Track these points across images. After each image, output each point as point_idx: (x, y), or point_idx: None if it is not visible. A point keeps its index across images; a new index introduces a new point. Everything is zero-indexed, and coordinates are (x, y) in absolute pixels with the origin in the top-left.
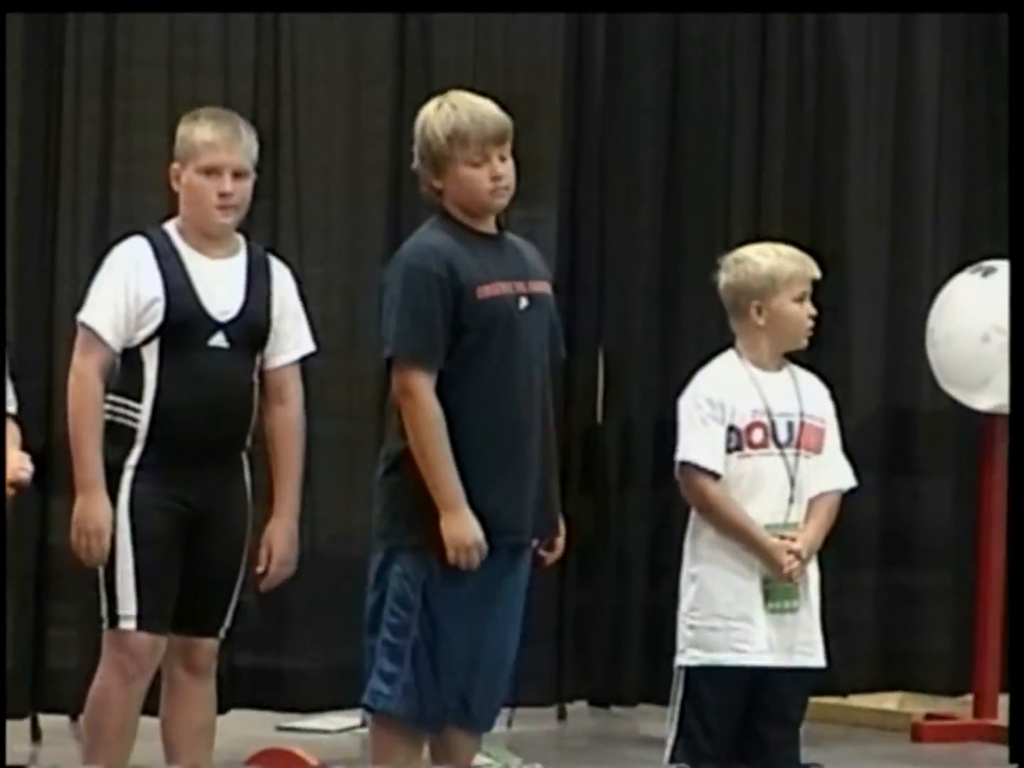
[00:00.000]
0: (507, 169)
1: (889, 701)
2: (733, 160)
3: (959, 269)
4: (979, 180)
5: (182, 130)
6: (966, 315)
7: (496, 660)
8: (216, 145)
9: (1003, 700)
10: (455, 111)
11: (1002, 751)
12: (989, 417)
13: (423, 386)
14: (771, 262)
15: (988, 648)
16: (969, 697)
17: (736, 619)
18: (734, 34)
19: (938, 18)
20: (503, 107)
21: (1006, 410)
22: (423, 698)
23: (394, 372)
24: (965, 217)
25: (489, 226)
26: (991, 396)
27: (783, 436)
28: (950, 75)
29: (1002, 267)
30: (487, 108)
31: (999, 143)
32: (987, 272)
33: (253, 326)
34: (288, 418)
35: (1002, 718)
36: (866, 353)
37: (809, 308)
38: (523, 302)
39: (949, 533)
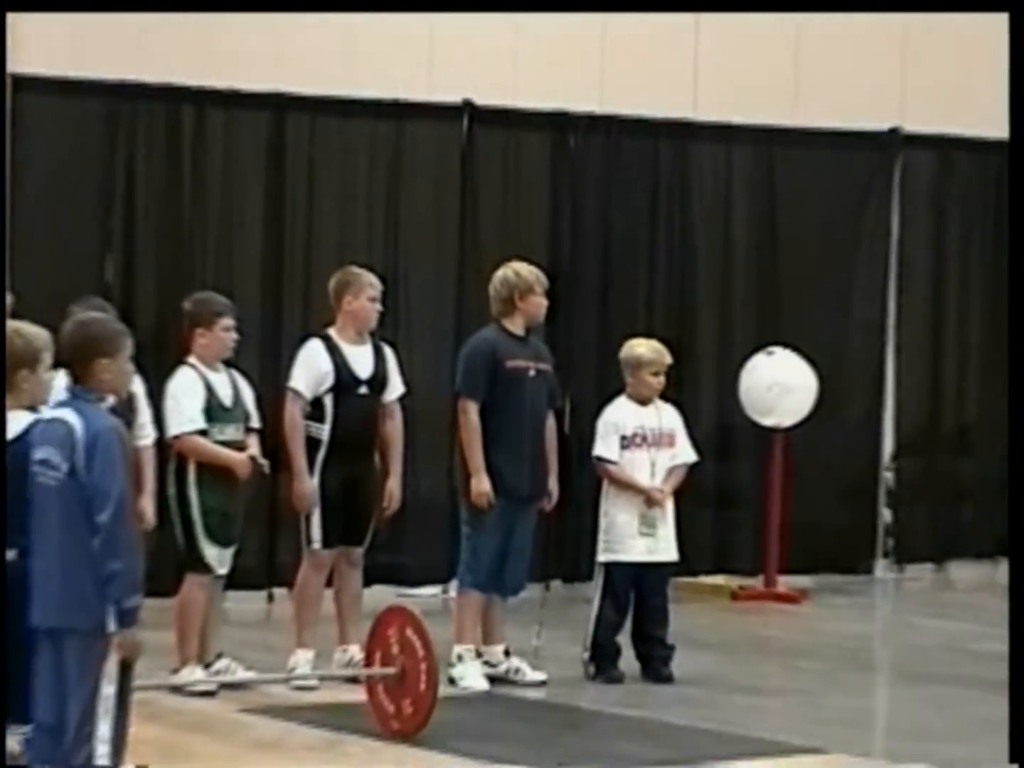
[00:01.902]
0: (543, 303)
1: (718, 579)
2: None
3: (755, 351)
4: (768, 299)
5: (352, 276)
6: (759, 376)
7: (517, 559)
8: (377, 286)
9: (783, 578)
10: (516, 274)
11: (772, 606)
12: (771, 430)
13: (470, 409)
14: (641, 349)
15: (770, 548)
16: (762, 577)
17: (627, 536)
18: (658, 168)
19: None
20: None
21: (781, 426)
22: (478, 577)
23: (459, 401)
24: (759, 322)
25: (520, 331)
26: (772, 419)
27: (649, 440)
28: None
29: (779, 351)
30: (530, 270)
31: (786, 269)
32: (770, 353)
33: (380, 381)
34: (394, 427)
35: (782, 587)
36: (710, 394)
37: (660, 379)
38: (532, 372)
39: (752, 488)
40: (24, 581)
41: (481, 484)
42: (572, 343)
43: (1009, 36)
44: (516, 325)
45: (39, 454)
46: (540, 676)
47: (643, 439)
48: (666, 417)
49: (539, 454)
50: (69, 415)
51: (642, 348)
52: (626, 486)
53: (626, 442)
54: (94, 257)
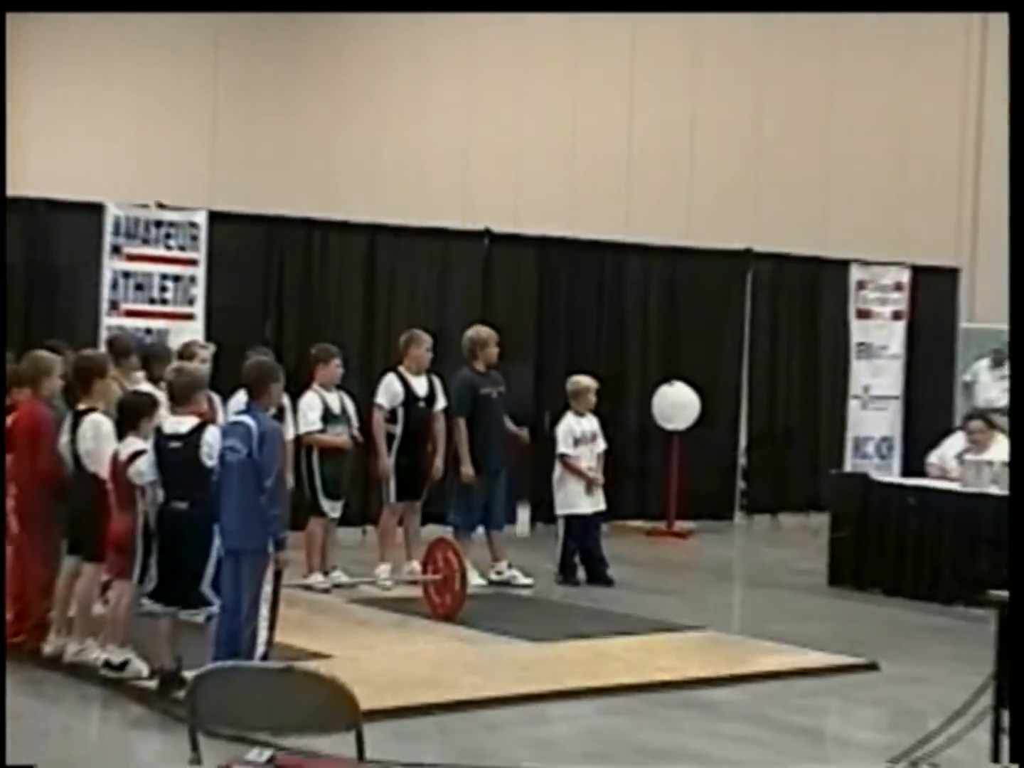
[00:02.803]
0: (495, 352)
1: (637, 523)
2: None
3: (661, 382)
4: (670, 353)
5: (415, 335)
6: (664, 397)
7: (497, 506)
8: (429, 342)
9: (678, 523)
10: (477, 333)
11: (670, 540)
12: (671, 432)
13: (461, 423)
14: (584, 381)
15: (670, 503)
16: (664, 521)
17: (578, 498)
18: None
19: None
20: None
21: (678, 429)
22: (468, 520)
23: (454, 418)
24: (665, 366)
25: (483, 368)
26: (672, 425)
27: (587, 439)
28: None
29: (677, 383)
30: (488, 331)
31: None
32: (671, 384)
33: (430, 399)
34: (439, 427)
35: (677, 528)
36: (635, 409)
37: (593, 400)
38: (494, 395)
39: (659, 466)
40: (195, 522)
41: (468, 469)
42: (550, 380)
43: (1009, 36)
44: (480, 365)
45: (227, 443)
46: (528, 581)
47: (583, 438)
48: (593, 423)
49: (504, 442)
50: (247, 419)
51: (584, 380)
52: (579, 473)
53: (576, 441)
54: (259, 322)
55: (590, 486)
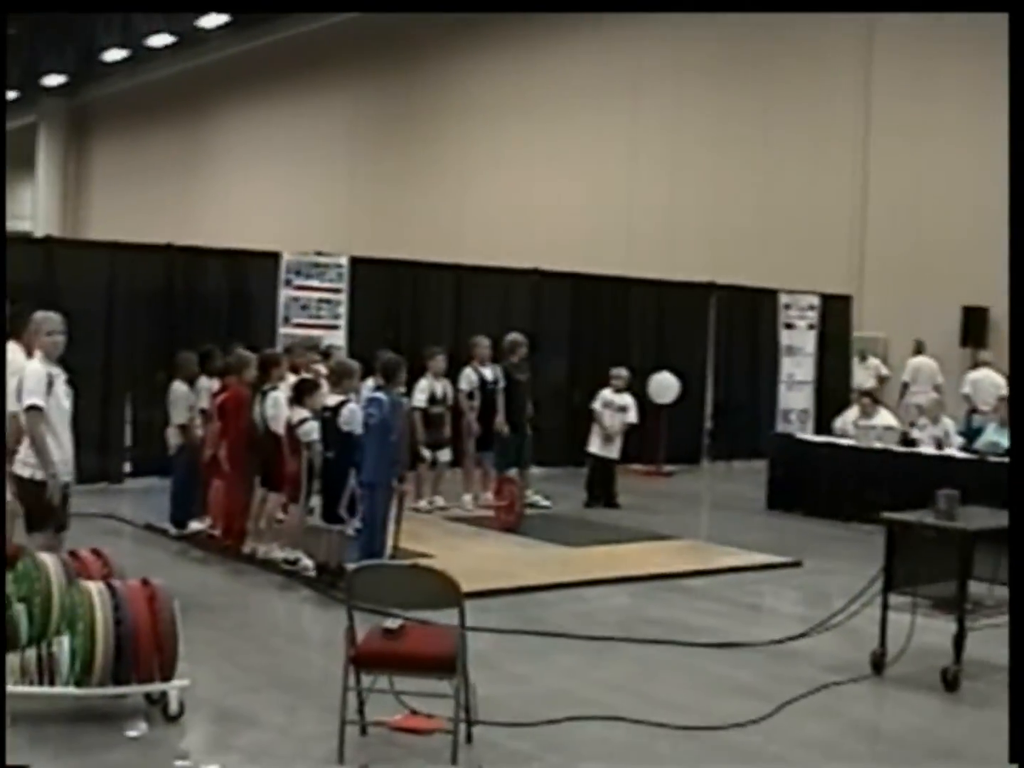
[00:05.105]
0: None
1: (636, 466)
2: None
3: (654, 370)
4: (658, 352)
5: (477, 340)
6: (657, 381)
7: (526, 450)
8: (487, 344)
9: (665, 466)
10: (514, 337)
11: (657, 479)
12: (660, 405)
13: (499, 398)
14: (615, 370)
15: (658, 452)
16: (653, 465)
17: (597, 443)
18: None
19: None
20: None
21: (665, 403)
22: (502, 465)
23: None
24: (655, 359)
25: (518, 360)
26: (662, 400)
27: (614, 407)
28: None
29: (664, 372)
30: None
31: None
32: (661, 371)
33: (495, 383)
34: (500, 401)
35: (664, 469)
36: (637, 388)
37: (622, 382)
38: (523, 379)
39: (652, 428)
40: (335, 465)
41: (503, 428)
42: (578, 370)
43: (1009, 36)
44: (515, 359)
45: (368, 410)
46: (548, 503)
47: (611, 405)
48: (626, 398)
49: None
50: (383, 395)
51: (618, 370)
52: (601, 426)
53: (605, 405)
54: (383, 331)
55: (608, 438)
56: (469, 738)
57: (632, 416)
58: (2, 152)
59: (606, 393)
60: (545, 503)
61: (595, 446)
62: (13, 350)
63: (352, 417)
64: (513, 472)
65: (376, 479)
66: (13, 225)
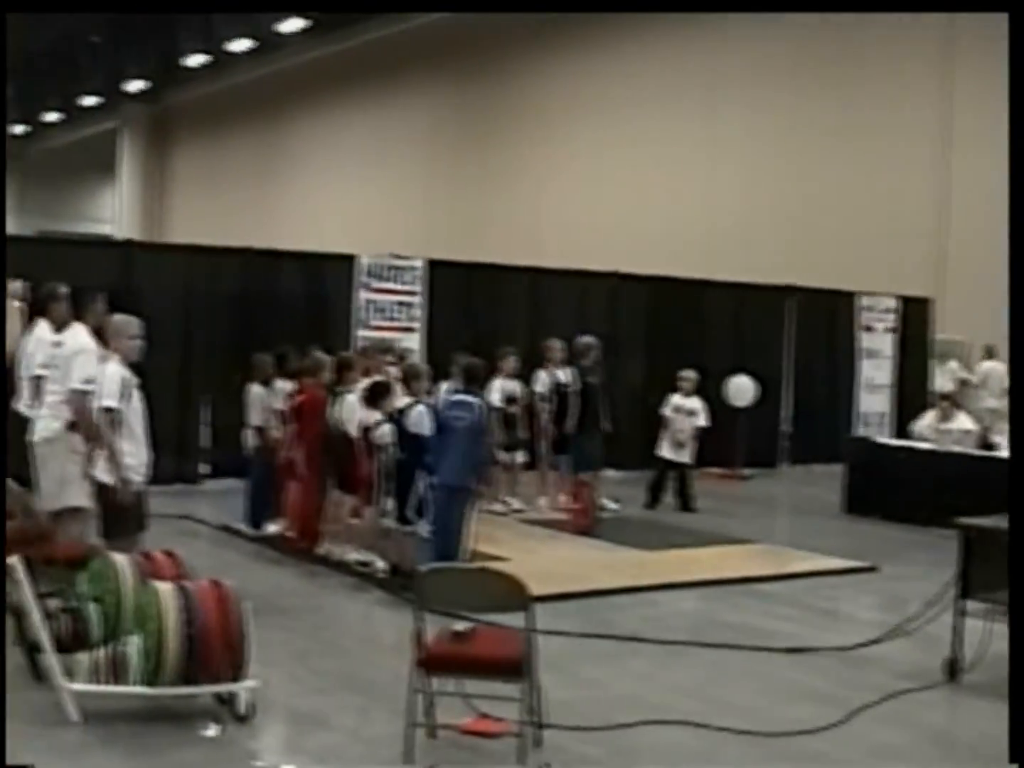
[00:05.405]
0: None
1: (714, 469)
2: None
3: (730, 373)
4: (735, 358)
5: (550, 342)
6: (732, 385)
7: (596, 452)
8: (559, 346)
9: (743, 470)
10: (586, 341)
11: (735, 482)
12: (738, 408)
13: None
14: (686, 372)
15: (737, 456)
16: (731, 468)
17: (670, 448)
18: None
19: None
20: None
21: (742, 406)
22: (580, 468)
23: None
24: (731, 364)
25: (591, 364)
26: (740, 403)
27: (683, 411)
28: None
29: (742, 375)
30: (593, 340)
31: None
32: (739, 374)
33: (568, 384)
34: (573, 403)
35: (742, 473)
36: (713, 392)
37: (691, 385)
38: (596, 382)
39: (730, 431)
40: (405, 466)
41: (571, 430)
42: (655, 372)
43: (1009, 36)
44: (587, 362)
45: (454, 412)
46: (616, 506)
47: (680, 409)
48: (695, 402)
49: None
50: (472, 398)
51: (687, 372)
52: (669, 431)
53: (675, 409)
54: (457, 332)
55: (679, 443)
56: (538, 742)
57: (702, 420)
58: (2, 152)
59: (676, 398)
60: (614, 506)
61: (665, 450)
62: (78, 330)
63: (420, 419)
64: (588, 475)
65: (458, 482)
66: (96, 228)
